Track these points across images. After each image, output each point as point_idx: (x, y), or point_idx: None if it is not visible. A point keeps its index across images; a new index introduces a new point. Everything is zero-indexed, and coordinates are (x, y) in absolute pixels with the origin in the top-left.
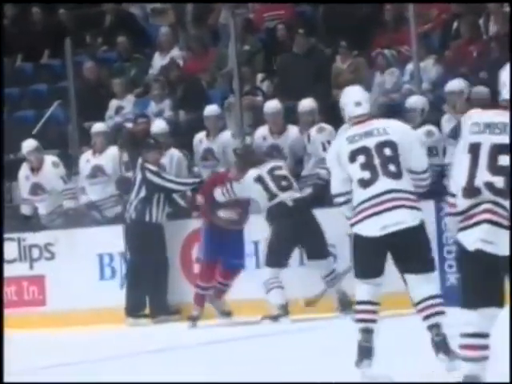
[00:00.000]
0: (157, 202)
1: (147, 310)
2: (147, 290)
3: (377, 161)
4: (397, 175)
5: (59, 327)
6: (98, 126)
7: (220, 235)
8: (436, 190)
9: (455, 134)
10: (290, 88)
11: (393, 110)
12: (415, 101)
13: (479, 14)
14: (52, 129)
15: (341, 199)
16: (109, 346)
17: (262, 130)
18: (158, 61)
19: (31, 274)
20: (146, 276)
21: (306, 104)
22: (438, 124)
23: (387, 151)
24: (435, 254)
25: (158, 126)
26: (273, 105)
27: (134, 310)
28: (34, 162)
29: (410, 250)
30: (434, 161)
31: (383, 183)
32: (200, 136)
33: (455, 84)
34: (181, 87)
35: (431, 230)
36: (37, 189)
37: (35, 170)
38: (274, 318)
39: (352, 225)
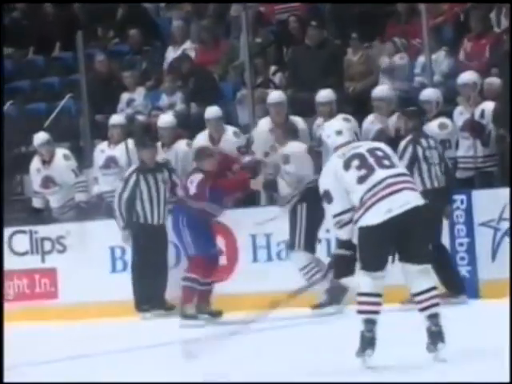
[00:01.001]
0: (157, 202)
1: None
2: (148, 286)
3: (371, 159)
4: (392, 166)
5: (71, 320)
6: (115, 119)
7: (207, 225)
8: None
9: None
10: (301, 80)
11: (406, 102)
12: (430, 93)
13: (491, 7)
14: (64, 121)
15: (345, 217)
16: (120, 338)
17: (265, 123)
18: (171, 53)
19: (43, 266)
20: (149, 274)
21: (325, 94)
22: (449, 116)
23: (379, 153)
24: (447, 247)
25: (164, 119)
26: (276, 95)
27: (144, 303)
28: (45, 154)
29: (415, 231)
30: (448, 153)
31: (380, 173)
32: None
33: (468, 76)
34: (193, 80)
35: (443, 223)
36: (48, 181)
37: (46, 162)
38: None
39: (356, 221)
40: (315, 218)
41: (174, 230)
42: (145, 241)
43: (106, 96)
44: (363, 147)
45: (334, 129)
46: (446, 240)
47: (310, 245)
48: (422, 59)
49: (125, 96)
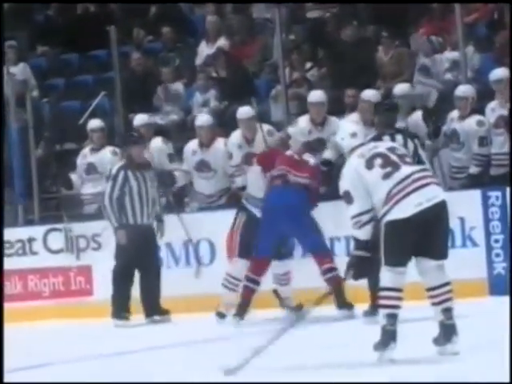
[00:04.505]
0: (146, 200)
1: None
2: (141, 291)
3: (393, 157)
4: (414, 164)
5: (106, 317)
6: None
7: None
8: (484, 178)
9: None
10: (336, 78)
11: (440, 99)
12: (465, 90)
13: None
14: (99, 118)
15: (365, 217)
16: (155, 335)
17: (304, 121)
18: (205, 50)
19: (78, 264)
20: (142, 278)
21: (370, 94)
22: (481, 113)
23: (399, 151)
24: (482, 243)
25: (202, 119)
26: (317, 94)
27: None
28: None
29: (440, 226)
30: (483, 151)
31: (406, 169)
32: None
33: (501, 72)
34: (228, 76)
35: (478, 219)
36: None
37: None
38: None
39: (383, 215)
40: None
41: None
42: (135, 243)
43: (140, 94)
44: (382, 147)
45: (349, 131)
46: (481, 236)
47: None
48: (451, 55)
49: (164, 88)
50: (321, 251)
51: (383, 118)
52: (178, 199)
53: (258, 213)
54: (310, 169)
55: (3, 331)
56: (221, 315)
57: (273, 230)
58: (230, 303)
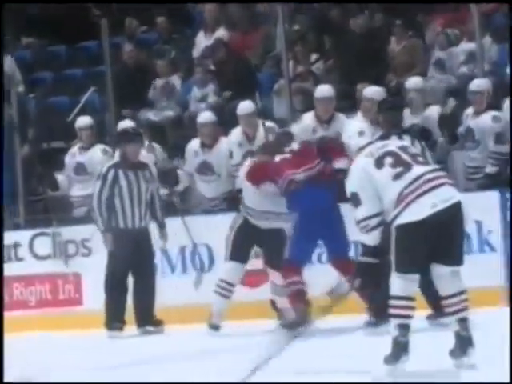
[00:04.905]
0: (138, 201)
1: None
2: (134, 299)
3: (405, 156)
4: (427, 163)
5: (97, 328)
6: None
7: None
8: (501, 178)
9: None
10: (345, 71)
11: (455, 93)
12: (480, 83)
13: None
14: (88, 115)
15: (373, 221)
16: (148, 347)
17: (309, 118)
18: (203, 41)
19: (67, 271)
20: (136, 286)
21: (372, 91)
22: (499, 109)
23: (411, 150)
24: (500, 248)
25: (204, 115)
26: (325, 89)
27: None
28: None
29: (456, 229)
30: (500, 149)
31: (418, 169)
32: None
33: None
34: (228, 69)
35: (495, 222)
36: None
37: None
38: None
39: (393, 218)
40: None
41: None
42: (126, 248)
43: (133, 89)
44: (393, 145)
45: (356, 129)
46: (499, 241)
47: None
48: (466, 47)
49: (159, 82)
50: (347, 257)
51: (387, 117)
52: (183, 201)
53: (252, 219)
54: (313, 154)
55: (3, 336)
56: (214, 327)
57: (309, 236)
58: (221, 311)
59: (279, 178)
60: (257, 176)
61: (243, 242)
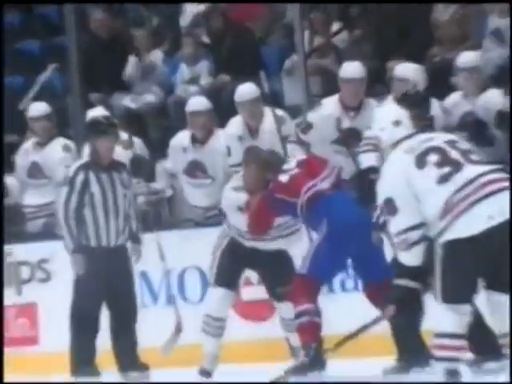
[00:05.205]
0: (115, 212)
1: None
2: (111, 337)
3: (454, 153)
4: (483, 162)
5: (55, 372)
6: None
7: None
8: None
9: None
10: (376, 44)
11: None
12: None
13: None
14: (46, 100)
15: (414, 234)
16: None
17: (332, 105)
18: (193, 6)
19: (20, 301)
20: (112, 322)
21: (407, 70)
22: None
23: (462, 145)
24: None
25: (196, 102)
26: (352, 68)
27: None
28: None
29: None
30: None
31: (472, 169)
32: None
33: None
34: (226, 42)
35: None
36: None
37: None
38: None
39: (439, 233)
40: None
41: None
42: (99, 273)
43: (104, 67)
44: (439, 139)
45: (391, 118)
46: None
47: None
48: None
49: (137, 59)
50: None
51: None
52: (156, 210)
53: (243, 240)
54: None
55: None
56: (205, 373)
57: (338, 251)
58: (213, 354)
59: (295, 197)
60: (265, 222)
61: (231, 264)
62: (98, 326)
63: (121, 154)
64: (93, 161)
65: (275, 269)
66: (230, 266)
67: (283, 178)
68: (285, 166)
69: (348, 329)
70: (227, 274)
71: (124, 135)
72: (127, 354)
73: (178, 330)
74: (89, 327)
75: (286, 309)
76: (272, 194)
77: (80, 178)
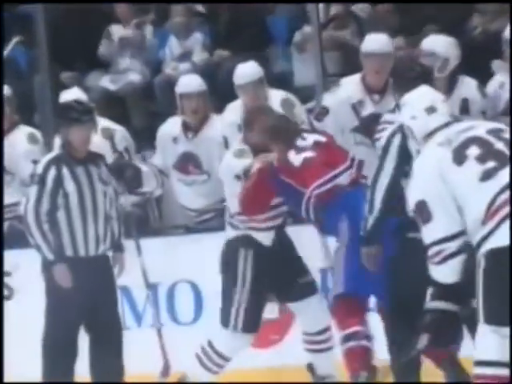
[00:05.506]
0: (94, 214)
1: None
2: (91, 364)
3: (499, 144)
4: None
5: None
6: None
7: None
8: None
9: None
10: (404, 13)
11: None
12: None
13: None
14: (7, 80)
15: (452, 246)
16: None
17: (352, 86)
18: None
19: None
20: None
21: (442, 41)
22: None
23: (508, 135)
24: None
25: (188, 81)
26: (378, 41)
27: None
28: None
29: None
30: None
31: None
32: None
33: None
34: (224, 11)
35: None
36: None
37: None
38: None
39: (481, 240)
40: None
41: None
42: (78, 288)
43: (79, 41)
44: (480, 128)
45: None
46: None
47: (254, 322)
48: None
49: (117, 30)
50: None
51: None
52: (139, 215)
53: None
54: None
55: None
56: None
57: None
58: None
59: (304, 187)
60: (261, 200)
61: (259, 302)
62: (76, 350)
63: (99, 144)
64: (66, 153)
65: (286, 261)
66: (259, 305)
67: (296, 160)
68: (299, 142)
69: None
70: (255, 316)
71: (103, 121)
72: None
73: (166, 370)
74: (65, 352)
75: (310, 314)
76: (278, 175)
77: (51, 174)
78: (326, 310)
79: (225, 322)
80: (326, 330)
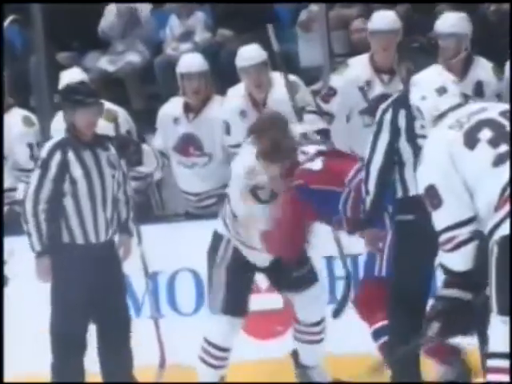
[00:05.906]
0: (103, 200)
1: None
2: (100, 357)
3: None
4: None
5: None
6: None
7: None
8: None
9: None
10: None
11: None
12: None
13: None
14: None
15: (464, 232)
16: None
17: (360, 66)
18: None
19: None
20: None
21: (455, 19)
22: None
23: None
24: None
25: (190, 60)
26: (386, 18)
27: None
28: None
29: None
30: None
31: None
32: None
33: None
34: None
35: None
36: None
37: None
38: None
39: (494, 228)
40: None
41: None
42: (87, 277)
43: (77, 21)
44: (493, 110)
45: (434, 84)
46: None
47: (238, 304)
48: None
49: (116, 9)
50: None
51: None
52: (145, 197)
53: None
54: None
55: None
56: None
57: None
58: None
59: (337, 186)
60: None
61: (241, 282)
62: (85, 343)
63: (102, 127)
64: (71, 137)
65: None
66: (240, 286)
67: (314, 166)
68: (301, 157)
69: (363, 349)
70: (237, 298)
71: (108, 104)
72: (122, 378)
73: (162, 364)
74: (74, 346)
75: (307, 304)
76: (303, 188)
77: (56, 159)
78: (323, 301)
79: (211, 307)
80: (321, 321)
